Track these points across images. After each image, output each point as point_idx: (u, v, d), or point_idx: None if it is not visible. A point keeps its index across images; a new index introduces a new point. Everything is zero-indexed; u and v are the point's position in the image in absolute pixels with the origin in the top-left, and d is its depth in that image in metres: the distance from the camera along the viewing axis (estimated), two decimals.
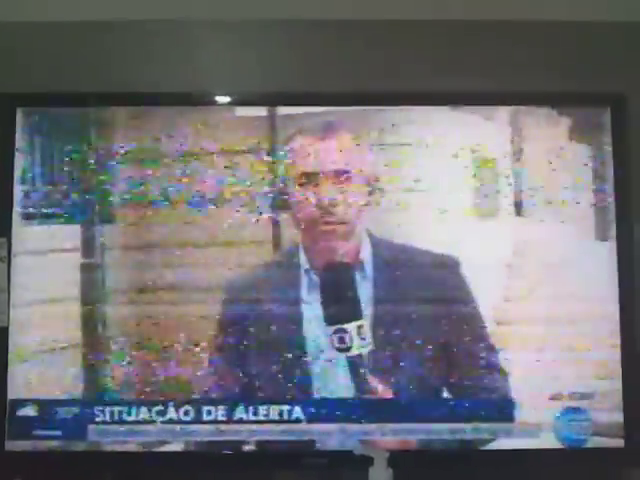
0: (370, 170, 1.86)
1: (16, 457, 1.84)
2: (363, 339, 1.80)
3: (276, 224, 1.86)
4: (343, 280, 1.84)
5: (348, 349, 1.80)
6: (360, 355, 1.80)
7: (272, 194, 1.86)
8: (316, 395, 1.83)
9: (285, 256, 1.86)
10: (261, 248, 1.86)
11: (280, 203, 1.86)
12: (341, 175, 1.84)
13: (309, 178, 1.84)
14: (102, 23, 1.99)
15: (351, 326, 1.80)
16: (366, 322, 1.81)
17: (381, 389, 1.82)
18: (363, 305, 1.82)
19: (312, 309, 1.84)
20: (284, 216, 1.86)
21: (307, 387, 1.83)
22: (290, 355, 1.83)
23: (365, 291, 1.84)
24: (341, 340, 1.80)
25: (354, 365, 1.81)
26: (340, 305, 1.82)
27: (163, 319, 1.85)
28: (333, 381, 1.83)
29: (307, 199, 1.84)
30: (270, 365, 1.83)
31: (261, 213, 1.86)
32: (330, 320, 1.81)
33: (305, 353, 1.83)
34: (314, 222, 1.84)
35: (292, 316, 1.84)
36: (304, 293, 1.85)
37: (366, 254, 1.86)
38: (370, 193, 1.85)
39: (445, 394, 1.85)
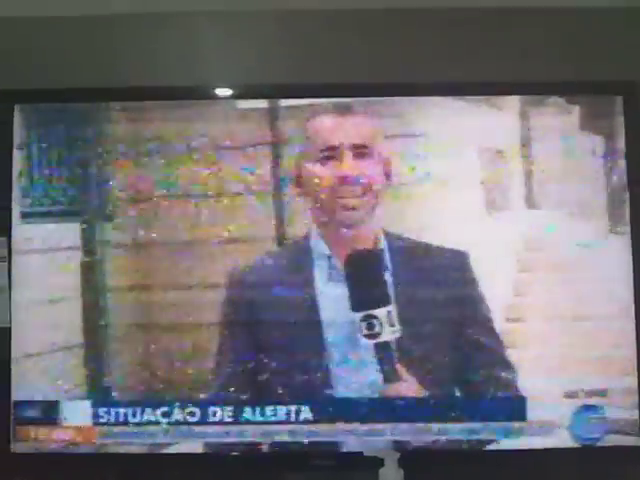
0: (384, 157, 1.83)
1: (21, 459, 1.83)
2: (392, 325, 1.75)
3: (284, 210, 1.83)
4: (370, 265, 1.79)
5: (377, 335, 1.74)
6: (388, 342, 1.75)
7: (283, 178, 1.83)
8: (328, 393, 1.79)
9: (301, 244, 1.82)
10: (271, 240, 1.83)
11: (296, 184, 1.82)
12: (360, 150, 1.80)
13: (329, 152, 1.80)
14: (101, 17, 1.98)
15: (381, 312, 1.75)
16: (394, 308, 1.76)
17: (407, 378, 1.77)
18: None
19: (332, 298, 1.79)
20: (298, 200, 1.82)
21: (321, 383, 1.79)
22: (306, 349, 1.80)
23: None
24: (370, 326, 1.74)
25: (383, 352, 1.75)
26: (368, 291, 1.77)
27: (167, 317, 1.83)
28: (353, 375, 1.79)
29: (326, 175, 1.79)
30: (286, 360, 1.80)
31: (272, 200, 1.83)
32: (358, 306, 1.76)
33: (323, 345, 1.79)
34: (333, 196, 1.79)
35: (309, 304, 1.80)
36: (323, 281, 1.80)
37: (383, 245, 1.81)
38: (387, 178, 1.82)
39: (458, 392, 1.81)
